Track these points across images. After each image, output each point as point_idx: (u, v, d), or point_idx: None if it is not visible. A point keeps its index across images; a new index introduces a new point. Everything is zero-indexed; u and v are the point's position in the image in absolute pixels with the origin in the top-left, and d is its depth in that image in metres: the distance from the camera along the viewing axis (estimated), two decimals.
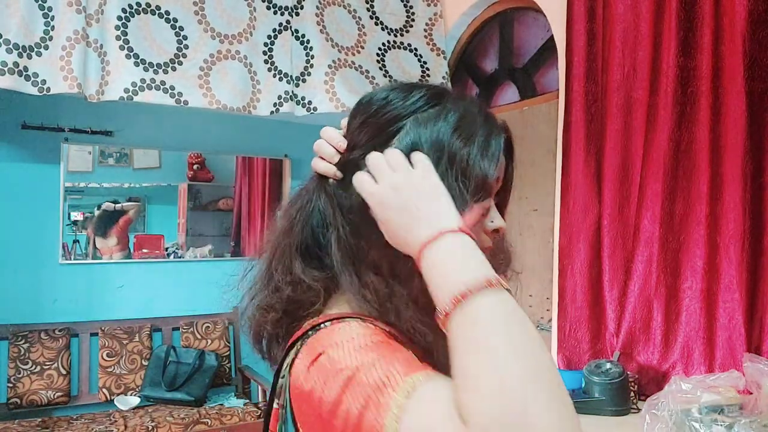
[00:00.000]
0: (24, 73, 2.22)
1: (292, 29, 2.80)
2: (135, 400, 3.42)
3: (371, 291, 0.68)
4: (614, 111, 2.12)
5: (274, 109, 2.72)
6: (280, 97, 2.73)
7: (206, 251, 4.02)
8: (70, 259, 3.58)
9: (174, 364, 3.49)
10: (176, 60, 2.53)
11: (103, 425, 3.10)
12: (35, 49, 2.25)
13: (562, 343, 2.25)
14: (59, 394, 3.29)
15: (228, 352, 3.80)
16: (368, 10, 3.03)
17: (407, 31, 3.11)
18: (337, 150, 0.71)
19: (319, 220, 0.71)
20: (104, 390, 3.42)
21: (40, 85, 2.25)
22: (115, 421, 3.17)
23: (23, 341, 3.27)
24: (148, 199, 3.87)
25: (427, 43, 3.13)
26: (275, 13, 2.77)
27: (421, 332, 0.64)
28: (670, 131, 1.90)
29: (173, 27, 2.55)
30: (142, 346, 3.56)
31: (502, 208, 0.73)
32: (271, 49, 2.74)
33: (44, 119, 3.45)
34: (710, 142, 1.82)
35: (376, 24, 3.05)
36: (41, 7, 2.27)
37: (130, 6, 2.45)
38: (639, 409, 1.82)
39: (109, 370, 3.45)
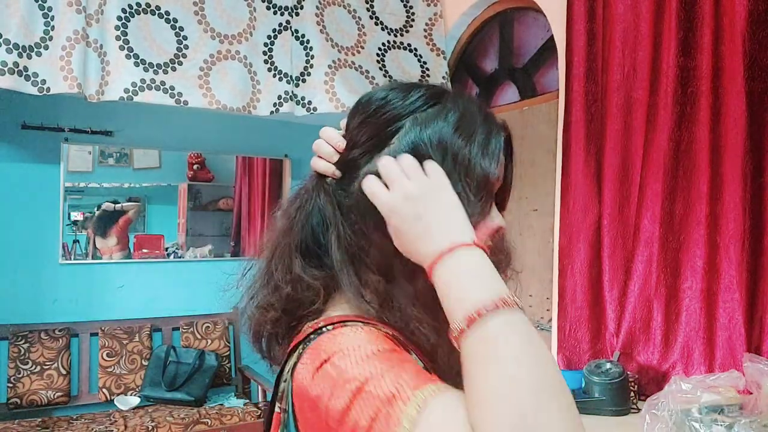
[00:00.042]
0: (24, 73, 2.22)
1: (292, 29, 2.80)
2: (135, 400, 3.42)
3: (371, 290, 0.68)
4: (614, 111, 2.12)
5: (274, 109, 2.72)
6: (280, 97, 2.73)
7: (206, 251, 4.03)
8: (70, 259, 3.58)
9: (174, 364, 3.49)
10: (176, 60, 2.53)
11: (103, 425, 3.10)
12: (35, 49, 2.25)
13: (562, 343, 2.25)
14: (59, 394, 3.29)
15: (228, 352, 3.80)
16: (368, 10, 3.04)
17: (407, 31, 3.11)
18: (336, 150, 0.70)
19: (319, 220, 0.71)
20: (104, 390, 3.42)
21: (40, 85, 2.25)
22: (115, 421, 3.17)
23: (23, 341, 3.27)
24: (148, 199, 3.87)
25: (427, 43, 3.13)
26: (275, 13, 2.77)
27: (424, 334, 0.64)
28: (670, 131, 1.90)
29: (173, 27, 2.55)
30: (142, 346, 3.56)
31: (501, 208, 0.73)
32: (271, 49, 2.74)
33: (44, 119, 3.45)
34: (710, 142, 1.82)
35: (376, 24, 3.05)
36: (41, 7, 2.27)
37: (130, 6, 2.45)
38: (639, 409, 1.82)
39: (109, 370, 3.45)
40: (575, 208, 2.22)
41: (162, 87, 2.49)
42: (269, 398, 3.50)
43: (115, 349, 3.49)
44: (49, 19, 2.28)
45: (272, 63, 2.74)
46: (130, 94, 2.42)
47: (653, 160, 1.96)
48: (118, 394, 3.43)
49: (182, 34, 2.56)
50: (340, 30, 2.90)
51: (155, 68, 2.48)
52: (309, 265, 0.70)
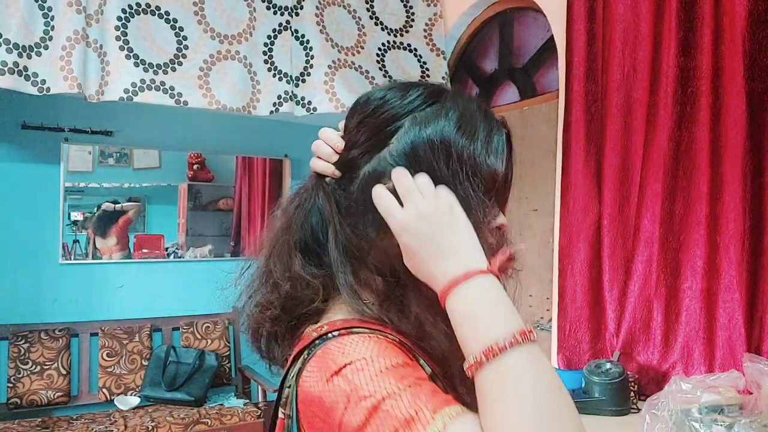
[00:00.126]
0: (24, 73, 2.22)
1: (292, 29, 2.80)
2: (135, 400, 3.42)
3: (371, 290, 0.67)
4: (614, 111, 2.12)
5: (273, 109, 2.72)
6: (279, 97, 2.73)
7: (206, 251, 4.03)
8: (70, 259, 3.58)
9: (174, 364, 3.49)
10: (176, 60, 2.53)
11: (103, 425, 3.10)
12: (35, 49, 2.25)
13: (562, 343, 2.25)
14: (59, 394, 3.29)
15: (228, 352, 3.80)
16: (368, 10, 3.04)
17: (407, 32, 3.11)
18: (335, 150, 0.70)
19: (318, 219, 0.70)
20: (104, 390, 3.42)
21: (40, 85, 2.25)
22: (115, 421, 3.17)
23: (23, 341, 3.27)
24: (148, 199, 3.87)
25: (427, 44, 3.13)
26: (275, 13, 2.77)
27: (437, 340, 0.63)
28: (670, 131, 1.90)
29: (173, 27, 2.55)
30: (142, 346, 3.56)
31: (502, 206, 0.73)
32: (270, 50, 2.74)
33: (44, 119, 3.45)
34: (710, 142, 1.82)
35: (376, 24, 3.05)
36: (41, 7, 2.27)
37: (130, 6, 2.45)
38: (639, 409, 1.82)
39: (109, 370, 3.45)
40: (575, 208, 2.22)
41: (162, 87, 2.49)
42: (269, 398, 3.50)
43: (115, 349, 3.49)
44: (49, 19, 2.28)
45: (272, 63, 2.74)
46: (130, 94, 2.42)
47: (653, 160, 1.96)
48: (118, 394, 3.43)
49: (182, 34, 2.56)
50: (340, 30, 2.90)
51: (155, 68, 2.48)
52: (308, 264, 0.70)
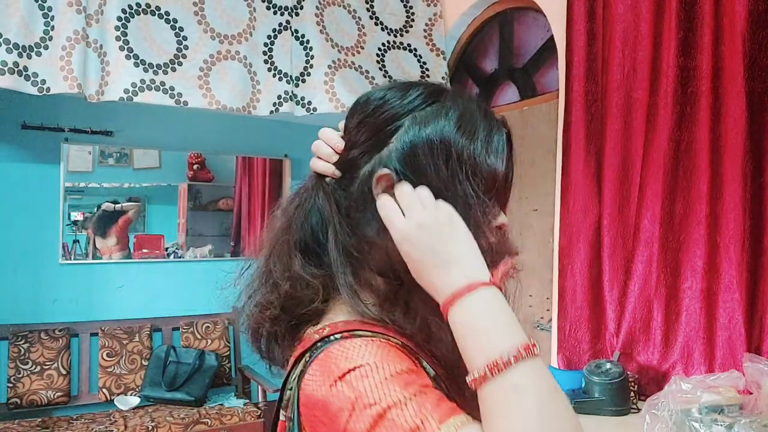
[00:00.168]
0: (24, 73, 2.22)
1: (292, 29, 2.80)
2: (135, 400, 3.42)
3: (372, 291, 0.67)
4: (614, 111, 2.12)
5: (273, 109, 2.72)
6: (279, 97, 2.73)
7: (206, 251, 4.03)
8: (70, 259, 3.58)
9: (174, 364, 3.49)
10: (176, 60, 2.53)
11: (103, 425, 3.10)
12: (35, 49, 2.25)
13: (562, 343, 2.25)
14: (59, 394, 3.29)
15: (228, 352, 3.80)
16: (368, 10, 3.04)
17: (407, 32, 3.11)
18: (335, 150, 0.70)
19: (318, 219, 0.70)
20: (104, 390, 3.42)
21: (40, 85, 2.25)
22: (115, 421, 3.17)
23: (23, 341, 3.27)
24: (148, 199, 3.87)
25: (427, 44, 3.13)
26: (275, 13, 2.77)
27: (443, 342, 0.63)
28: (670, 131, 1.90)
29: (173, 27, 2.55)
30: (142, 346, 3.56)
31: (503, 205, 0.72)
32: (270, 50, 2.74)
33: (44, 119, 3.45)
34: (710, 142, 1.82)
35: (376, 24, 3.05)
36: (41, 7, 2.27)
37: (130, 6, 2.45)
38: (639, 409, 1.82)
39: (109, 370, 3.45)
40: (575, 208, 2.22)
41: (162, 87, 2.49)
42: (269, 398, 3.50)
43: (115, 349, 3.49)
44: (49, 19, 2.28)
45: (272, 63, 2.74)
46: (130, 94, 2.42)
47: (653, 160, 1.96)
48: (118, 394, 3.43)
49: (182, 34, 2.56)
50: (340, 30, 2.90)
51: (155, 68, 2.48)
52: (308, 264, 0.69)
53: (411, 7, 3.13)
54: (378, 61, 3.00)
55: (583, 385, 1.92)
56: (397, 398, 0.55)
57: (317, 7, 2.84)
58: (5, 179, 3.39)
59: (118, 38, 2.41)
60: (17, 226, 3.40)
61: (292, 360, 0.67)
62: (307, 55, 2.80)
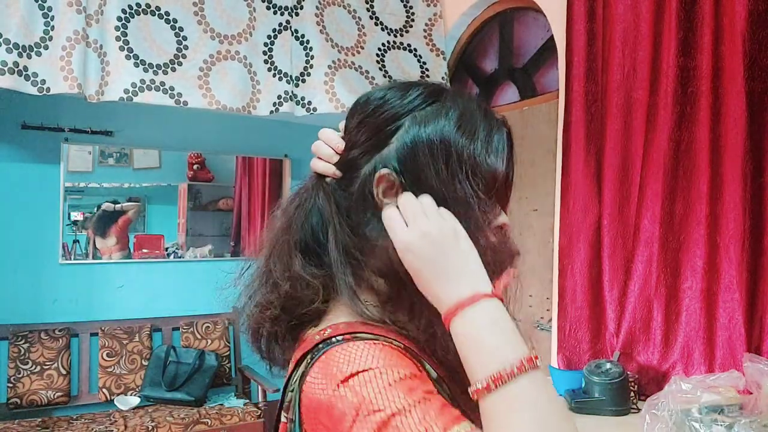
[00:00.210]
0: (24, 73, 2.22)
1: (292, 29, 2.80)
2: (135, 400, 3.42)
3: (372, 291, 0.67)
4: (614, 111, 2.12)
5: (273, 109, 2.72)
6: (279, 97, 2.73)
7: (206, 251, 4.03)
8: (70, 259, 3.58)
9: (174, 364, 3.49)
10: (176, 60, 2.53)
11: (103, 425, 3.10)
12: (35, 49, 2.25)
13: (562, 343, 2.25)
14: (59, 394, 3.29)
15: (228, 352, 3.80)
16: (368, 10, 3.04)
17: (407, 32, 3.11)
18: (336, 151, 0.70)
19: (318, 219, 0.70)
20: (104, 390, 3.42)
21: (40, 85, 2.25)
22: (115, 421, 3.17)
23: (23, 341, 3.27)
24: (148, 199, 3.87)
25: (427, 44, 3.13)
26: (275, 13, 2.77)
27: (448, 343, 0.63)
28: (670, 131, 1.90)
29: (173, 27, 2.55)
30: (142, 346, 3.56)
31: (504, 205, 0.72)
32: (270, 49, 2.74)
33: (44, 119, 3.45)
34: (710, 142, 1.82)
35: (376, 24, 3.05)
36: (41, 7, 2.27)
37: (130, 6, 2.45)
38: (639, 409, 1.82)
39: (109, 370, 3.45)
40: (575, 208, 2.22)
41: (162, 87, 2.49)
42: (269, 398, 3.49)
43: (115, 349, 3.49)
44: (49, 19, 2.28)
45: (272, 63, 2.74)
46: (130, 94, 2.42)
47: (653, 160, 1.96)
48: (118, 394, 3.43)
49: (182, 34, 2.56)
50: (340, 30, 2.90)
51: (155, 69, 2.48)
52: (308, 264, 0.69)
53: (411, 7, 3.13)
54: (378, 61, 3.00)
55: (583, 385, 1.92)
56: (401, 405, 0.55)
57: (317, 7, 2.84)
58: (5, 179, 3.39)
59: (118, 38, 2.41)
60: (17, 226, 3.40)
61: (293, 361, 0.67)
62: (307, 55, 2.80)
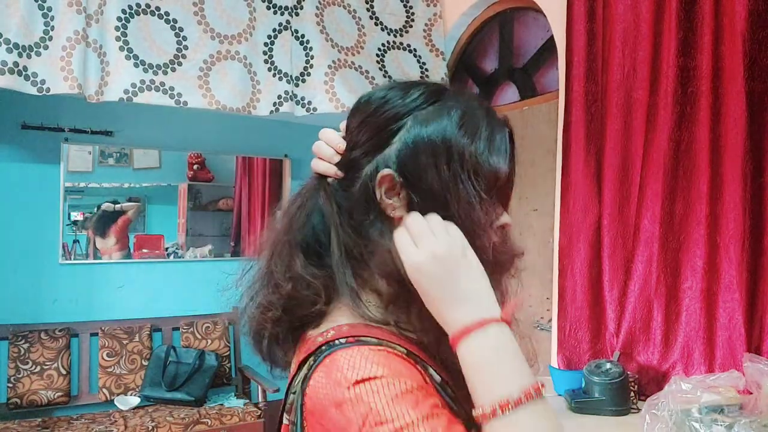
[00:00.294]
0: (24, 73, 2.22)
1: (292, 29, 2.80)
2: (135, 400, 3.42)
3: (374, 292, 0.67)
4: (614, 111, 2.12)
5: (273, 109, 2.72)
6: (279, 97, 2.73)
7: (206, 251, 4.03)
8: (70, 259, 3.58)
9: (174, 364, 3.49)
10: (176, 61, 2.53)
11: (103, 425, 3.10)
12: (35, 49, 2.25)
13: (562, 343, 2.25)
14: (59, 394, 3.29)
15: (228, 352, 3.80)
16: (368, 10, 3.04)
17: (407, 32, 3.11)
18: (337, 151, 0.70)
19: (320, 219, 0.70)
20: (104, 390, 3.42)
21: (39, 85, 2.25)
22: (115, 421, 3.17)
23: (23, 341, 3.27)
24: (148, 199, 3.87)
25: (426, 44, 3.13)
26: (275, 13, 2.77)
27: (447, 350, 0.63)
28: (670, 131, 1.90)
29: (173, 28, 2.55)
30: (142, 346, 3.56)
31: (505, 205, 0.72)
32: (270, 49, 2.74)
33: (44, 119, 3.45)
34: (710, 142, 1.82)
35: (376, 24, 3.05)
36: (41, 7, 2.27)
37: (130, 7, 2.45)
38: (639, 409, 1.82)
39: (109, 370, 3.45)
40: (575, 208, 2.22)
41: (162, 88, 2.49)
42: (270, 398, 3.48)
43: (115, 349, 3.49)
44: (49, 19, 2.28)
45: (272, 63, 2.74)
46: (130, 94, 2.42)
47: (653, 160, 1.96)
48: (118, 394, 3.43)
49: (182, 34, 2.56)
50: (340, 30, 2.90)
51: (155, 69, 2.48)
52: (310, 264, 0.69)
53: (411, 8, 3.13)
54: (378, 62, 3.00)
55: (583, 385, 1.92)
56: (409, 419, 0.55)
57: (317, 7, 2.84)
58: (5, 179, 3.39)
59: (118, 38, 2.41)
60: (17, 226, 3.40)
61: (295, 363, 0.67)
62: (307, 55, 2.80)
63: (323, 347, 0.63)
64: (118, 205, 3.76)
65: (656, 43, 1.98)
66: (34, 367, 3.25)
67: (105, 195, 3.73)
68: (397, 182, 0.65)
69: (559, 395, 2.00)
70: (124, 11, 2.43)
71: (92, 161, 3.68)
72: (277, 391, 3.24)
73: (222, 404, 3.48)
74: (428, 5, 3.16)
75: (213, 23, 2.63)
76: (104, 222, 3.72)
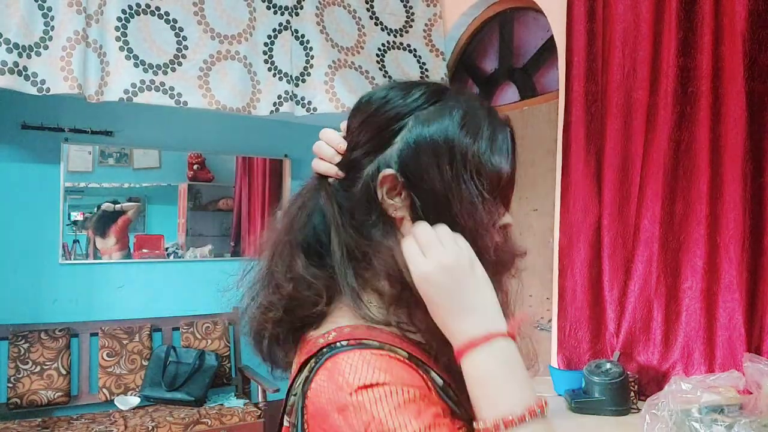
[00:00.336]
0: (24, 73, 2.22)
1: (292, 29, 2.80)
2: (135, 400, 3.42)
3: (376, 292, 0.67)
4: (614, 111, 2.12)
5: (273, 109, 2.72)
6: (279, 97, 2.73)
7: (206, 251, 4.03)
8: (70, 259, 3.58)
9: (174, 364, 3.49)
10: (176, 61, 2.53)
11: (103, 425, 3.10)
12: (35, 49, 2.25)
13: (562, 343, 2.25)
14: (59, 394, 3.29)
15: (228, 352, 3.80)
16: (368, 10, 3.04)
17: (407, 32, 3.11)
18: (337, 151, 0.70)
19: (321, 220, 0.70)
20: (104, 390, 3.42)
21: (39, 85, 2.25)
22: (115, 421, 3.17)
23: (23, 341, 3.27)
24: (148, 199, 3.87)
25: (426, 44, 3.13)
26: (275, 13, 2.77)
27: (449, 352, 0.63)
28: (670, 131, 1.90)
29: (173, 28, 2.55)
30: (142, 346, 3.56)
31: (506, 205, 0.72)
32: (271, 49, 2.74)
33: (44, 119, 3.45)
34: (710, 142, 1.82)
35: (376, 24, 3.05)
36: (41, 7, 2.27)
37: (130, 7, 2.45)
38: (639, 409, 1.82)
39: (109, 370, 3.45)
40: (575, 208, 2.22)
41: (162, 88, 2.49)
42: (270, 398, 3.48)
43: (115, 349, 3.49)
44: (49, 19, 2.28)
45: (272, 63, 2.74)
46: (130, 94, 2.42)
47: (653, 160, 1.96)
48: (118, 394, 3.43)
49: (182, 34, 2.56)
50: (340, 30, 2.90)
51: (155, 69, 2.48)
52: (311, 265, 0.69)
53: (411, 8, 3.13)
54: (378, 62, 3.00)
55: (583, 385, 1.92)
56: (410, 430, 0.55)
57: (317, 7, 2.84)
58: (5, 179, 3.39)
59: (118, 38, 2.41)
60: (17, 226, 3.40)
61: (296, 365, 0.66)
62: (307, 55, 2.80)
63: (324, 349, 0.62)
64: (118, 205, 3.76)
65: (656, 43, 1.98)
66: (34, 367, 3.25)
67: (105, 195, 3.73)
68: (398, 182, 0.65)
69: (559, 395, 2.00)
70: (124, 11, 2.43)
71: (92, 161, 3.68)
72: (277, 391, 3.24)
73: (222, 404, 3.48)
74: (428, 5, 3.16)
75: (213, 23, 2.63)
76: (104, 222, 3.72)
